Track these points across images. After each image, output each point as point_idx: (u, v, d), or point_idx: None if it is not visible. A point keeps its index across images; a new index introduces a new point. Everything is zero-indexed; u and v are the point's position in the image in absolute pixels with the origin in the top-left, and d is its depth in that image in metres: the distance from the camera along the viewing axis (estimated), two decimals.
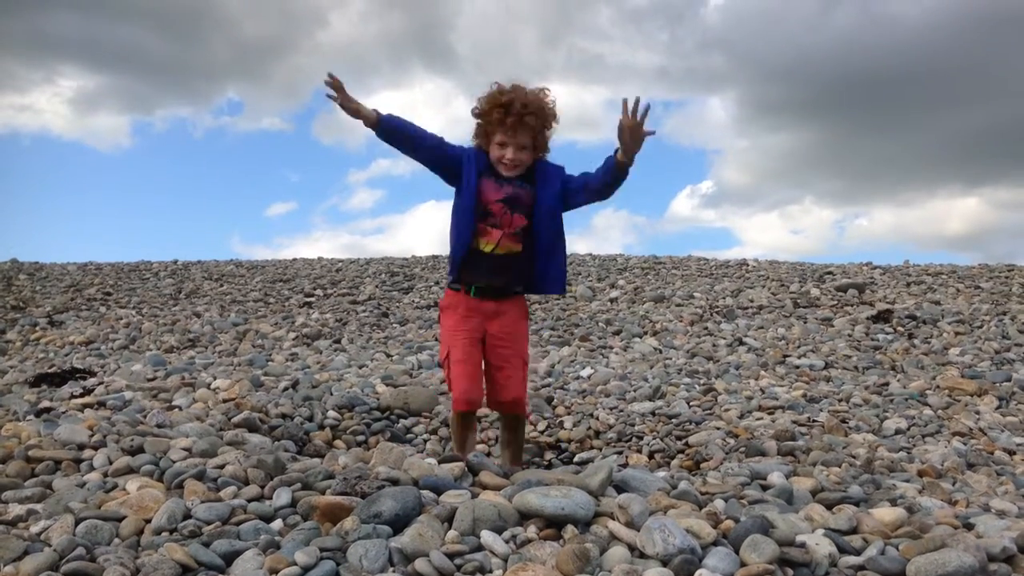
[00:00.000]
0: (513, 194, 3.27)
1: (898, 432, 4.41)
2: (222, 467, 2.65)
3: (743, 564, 2.04)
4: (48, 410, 3.96)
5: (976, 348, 6.46)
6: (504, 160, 3.23)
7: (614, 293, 9.69)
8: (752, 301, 8.90)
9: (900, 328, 7.36)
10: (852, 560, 2.13)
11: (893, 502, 2.76)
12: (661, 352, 6.71)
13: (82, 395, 4.51)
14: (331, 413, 4.39)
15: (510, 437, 3.55)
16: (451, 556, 2.04)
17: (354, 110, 3.15)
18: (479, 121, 3.29)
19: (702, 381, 5.48)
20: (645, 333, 7.58)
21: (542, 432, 4.53)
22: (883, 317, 7.74)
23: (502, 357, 3.33)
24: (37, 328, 8.35)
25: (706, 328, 7.68)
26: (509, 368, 3.34)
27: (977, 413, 4.76)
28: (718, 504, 2.49)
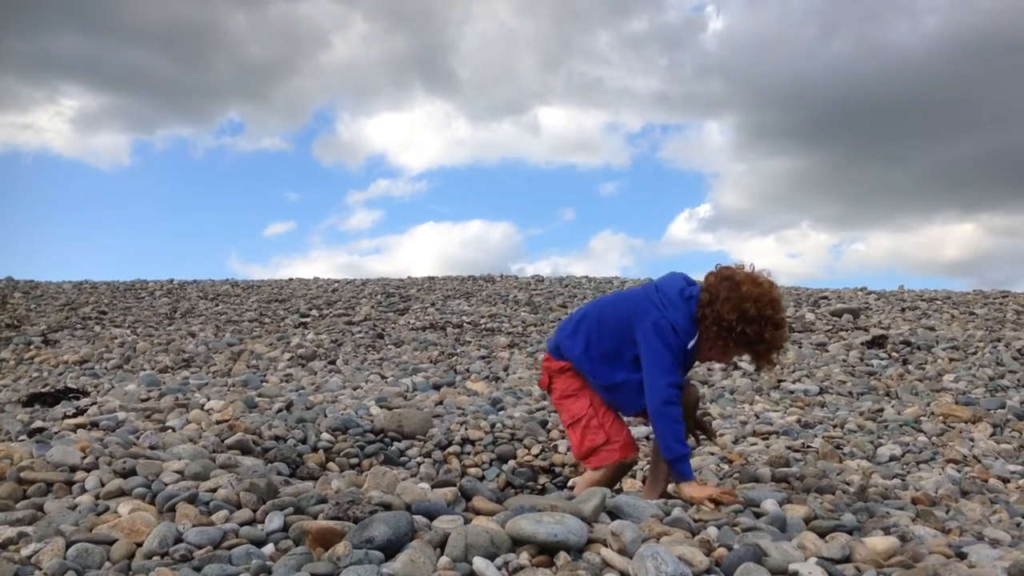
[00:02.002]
0: None
1: (892, 459, 4.40)
2: (214, 490, 2.64)
3: None
4: (41, 430, 3.95)
5: (970, 374, 6.46)
6: (705, 361, 3.24)
7: None
8: None
9: (895, 354, 7.37)
10: None
11: (886, 530, 2.75)
12: None
13: (75, 415, 4.50)
14: (325, 435, 4.38)
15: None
16: None
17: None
18: (734, 332, 2.99)
19: None
20: None
21: (536, 456, 4.52)
22: (878, 343, 7.76)
23: None
24: (31, 347, 8.33)
25: None
26: None
27: (971, 440, 4.76)
28: (711, 532, 2.49)
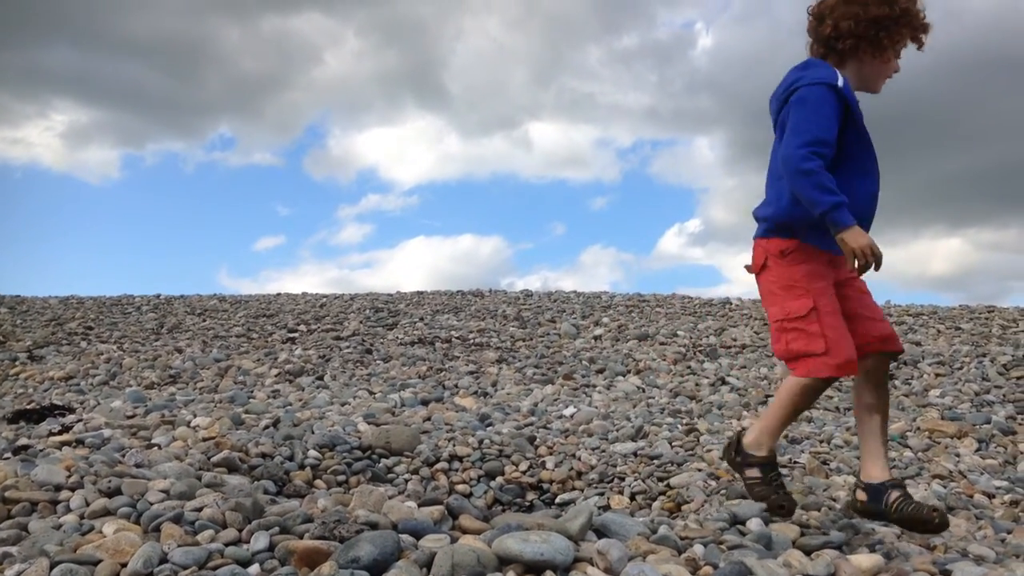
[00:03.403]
0: None
1: None
2: (200, 510, 2.63)
3: None
4: (26, 448, 3.93)
5: (956, 390, 6.50)
6: (883, 79, 2.84)
7: (598, 331, 9.71)
8: (735, 340, 8.94)
9: None
10: None
11: (872, 547, 2.77)
12: (644, 391, 6.72)
13: (60, 432, 4.48)
14: (312, 452, 4.37)
15: (882, 398, 2.93)
16: None
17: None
18: (873, 28, 2.74)
19: (684, 421, 5.49)
20: (628, 372, 7.60)
21: (524, 472, 4.52)
22: None
23: (860, 301, 2.87)
24: (16, 363, 8.28)
25: (689, 367, 7.70)
26: (875, 305, 2.93)
27: (957, 455, 4.79)
28: (697, 549, 2.50)
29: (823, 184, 2.58)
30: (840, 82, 2.69)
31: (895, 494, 2.85)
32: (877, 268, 2.60)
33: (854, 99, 2.71)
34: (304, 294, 13.66)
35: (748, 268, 3.00)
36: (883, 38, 2.74)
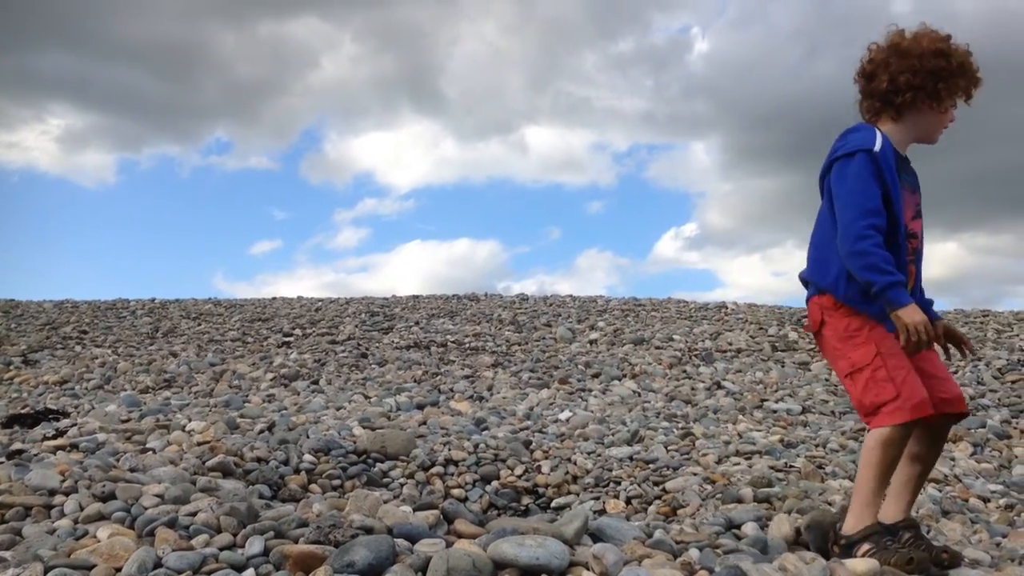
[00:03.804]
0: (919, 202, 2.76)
1: None
2: (194, 514, 2.62)
3: None
4: (20, 452, 3.92)
5: None
6: (941, 130, 2.77)
7: (594, 335, 9.71)
8: (731, 344, 8.95)
9: None
10: None
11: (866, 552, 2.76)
12: (640, 395, 6.73)
13: (55, 437, 4.47)
14: (307, 457, 4.36)
15: (932, 454, 2.83)
16: None
17: None
18: (931, 80, 2.68)
19: (680, 425, 5.49)
20: (624, 376, 7.60)
21: (519, 476, 4.52)
22: None
23: (924, 357, 2.73)
24: (11, 367, 8.25)
25: (685, 371, 7.71)
26: (939, 363, 2.81)
27: (952, 459, 4.79)
28: (693, 553, 2.49)
29: (877, 265, 2.54)
30: (878, 145, 2.64)
31: (907, 535, 2.69)
32: (929, 346, 2.56)
33: (888, 163, 2.64)
34: (299, 298, 13.64)
35: (806, 328, 2.89)
36: (941, 89, 2.69)
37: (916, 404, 2.54)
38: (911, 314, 2.51)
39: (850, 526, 2.65)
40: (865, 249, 2.54)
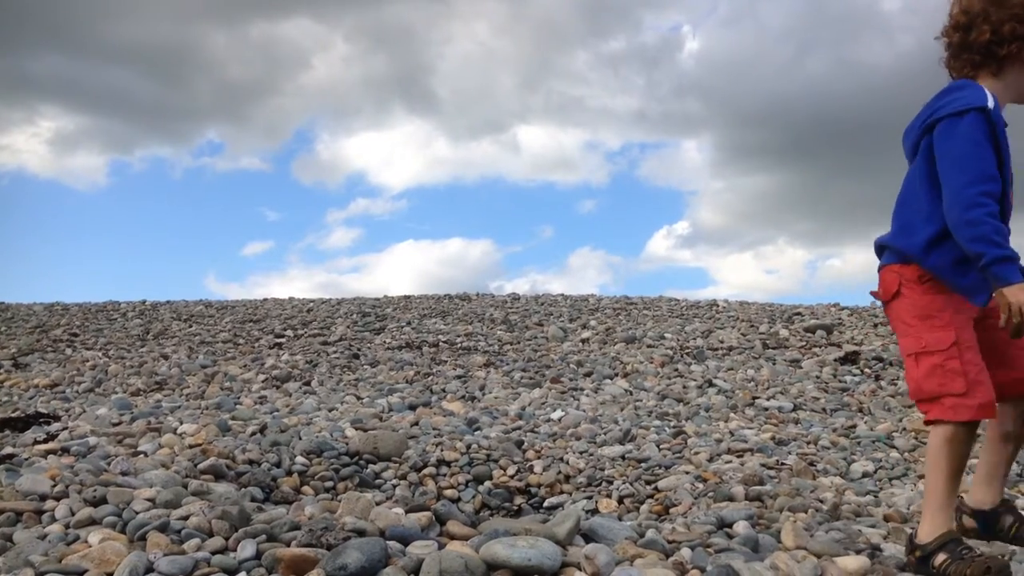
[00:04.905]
0: None
1: (865, 475, 4.44)
2: (186, 518, 2.62)
3: None
4: (11, 456, 3.90)
5: None
6: None
7: (586, 334, 9.72)
8: (722, 342, 8.97)
9: (867, 370, 7.44)
10: None
11: (858, 550, 2.78)
12: (632, 394, 6.74)
13: (45, 441, 4.45)
14: (299, 459, 4.35)
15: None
16: None
17: None
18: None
19: (672, 424, 5.50)
20: (616, 375, 7.61)
21: (512, 476, 4.52)
22: (850, 359, 7.83)
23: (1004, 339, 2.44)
24: (1, 371, 8.22)
25: (676, 369, 7.72)
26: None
27: None
28: (685, 553, 2.50)
29: (989, 237, 2.31)
30: (991, 102, 2.42)
31: (1009, 519, 2.63)
32: None
33: (1001, 122, 2.44)
34: (291, 299, 13.62)
35: (875, 294, 2.72)
36: None
37: (983, 405, 2.39)
38: (1017, 293, 2.27)
39: (925, 534, 2.50)
40: (978, 218, 2.32)
